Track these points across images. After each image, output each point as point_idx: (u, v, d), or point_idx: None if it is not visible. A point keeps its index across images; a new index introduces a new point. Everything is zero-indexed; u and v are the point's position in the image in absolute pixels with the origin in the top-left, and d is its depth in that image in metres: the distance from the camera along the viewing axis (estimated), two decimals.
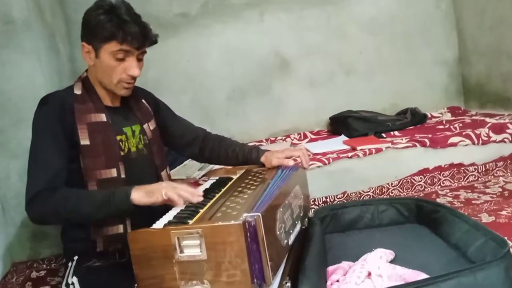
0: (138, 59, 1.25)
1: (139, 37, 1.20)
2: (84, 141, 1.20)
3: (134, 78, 1.25)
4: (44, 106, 1.22)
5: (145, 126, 1.35)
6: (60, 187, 1.14)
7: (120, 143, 1.27)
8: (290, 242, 1.07)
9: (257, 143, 2.57)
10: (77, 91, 1.26)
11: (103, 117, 1.25)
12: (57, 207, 1.11)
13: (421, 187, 2.02)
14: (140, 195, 1.08)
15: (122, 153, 1.26)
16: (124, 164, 1.24)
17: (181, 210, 1.07)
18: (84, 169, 1.20)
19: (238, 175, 1.35)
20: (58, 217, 1.13)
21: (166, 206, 1.13)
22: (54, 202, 1.11)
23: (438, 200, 1.87)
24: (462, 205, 1.77)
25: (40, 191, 1.12)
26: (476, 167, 2.04)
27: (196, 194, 1.09)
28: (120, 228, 1.21)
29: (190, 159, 2.24)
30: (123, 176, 1.23)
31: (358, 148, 2.06)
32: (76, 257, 1.24)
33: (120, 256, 1.24)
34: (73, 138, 1.20)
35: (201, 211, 1.02)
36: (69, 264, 1.25)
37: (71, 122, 1.20)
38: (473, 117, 2.50)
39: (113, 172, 1.21)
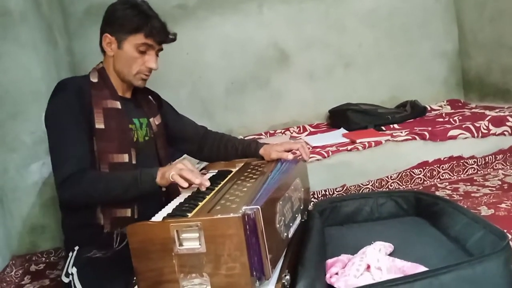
0: (156, 55, 1.35)
1: (162, 32, 1.32)
2: (99, 125, 1.26)
3: (150, 71, 1.35)
4: (64, 91, 1.26)
5: (151, 120, 1.41)
6: (88, 170, 1.21)
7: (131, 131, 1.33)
8: (290, 235, 1.07)
9: (256, 136, 2.56)
10: (93, 79, 1.32)
11: (118, 104, 1.31)
12: (88, 189, 1.18)
13: (421, 180, 2.02)
14: (159, 177, 1.15)
15: (134, 140, 1.33)
16: (135, 150, 1.31)
17: (180, 203, 1.07)
18: (98, 152, 1.25)
19: (237, 168, 1.35)
20: (89, 198, 1.20)
21: (168, 195, 1.22)
22: (85, 184, 1.18)
23: (437, 193, 1.87)
24: (461, 198, 1.77)
25: (71, 174, 1.18)
26: (476, 160, 2.04)
27: (198, 177, 1.11)
28: (128, 212, 1.27)
29: None
30: (134, 162, 1.29)
31: (358, 141, 2.06)
32: (77, 247, 1.26)
33: (121, 243, 1.25)
34: (89, 121, 1.25)
35: (200, 203, 1.02)
36: (70, 254, 1.27)
37: (88, 105, 1.26)
38: (473, 110, 2.49)
39: (125, 157, 1.28)
